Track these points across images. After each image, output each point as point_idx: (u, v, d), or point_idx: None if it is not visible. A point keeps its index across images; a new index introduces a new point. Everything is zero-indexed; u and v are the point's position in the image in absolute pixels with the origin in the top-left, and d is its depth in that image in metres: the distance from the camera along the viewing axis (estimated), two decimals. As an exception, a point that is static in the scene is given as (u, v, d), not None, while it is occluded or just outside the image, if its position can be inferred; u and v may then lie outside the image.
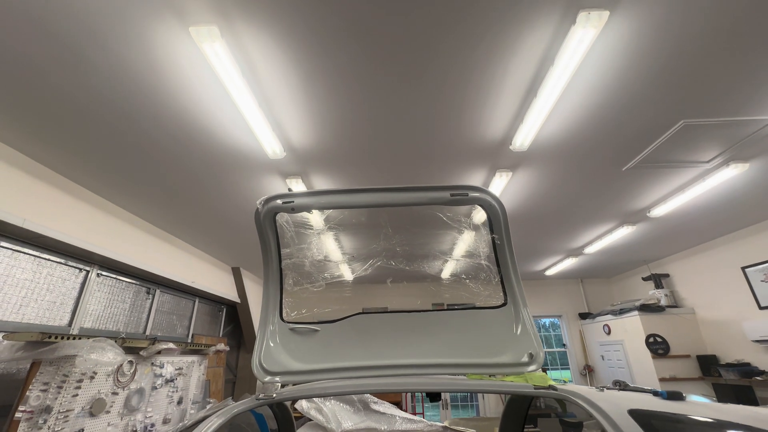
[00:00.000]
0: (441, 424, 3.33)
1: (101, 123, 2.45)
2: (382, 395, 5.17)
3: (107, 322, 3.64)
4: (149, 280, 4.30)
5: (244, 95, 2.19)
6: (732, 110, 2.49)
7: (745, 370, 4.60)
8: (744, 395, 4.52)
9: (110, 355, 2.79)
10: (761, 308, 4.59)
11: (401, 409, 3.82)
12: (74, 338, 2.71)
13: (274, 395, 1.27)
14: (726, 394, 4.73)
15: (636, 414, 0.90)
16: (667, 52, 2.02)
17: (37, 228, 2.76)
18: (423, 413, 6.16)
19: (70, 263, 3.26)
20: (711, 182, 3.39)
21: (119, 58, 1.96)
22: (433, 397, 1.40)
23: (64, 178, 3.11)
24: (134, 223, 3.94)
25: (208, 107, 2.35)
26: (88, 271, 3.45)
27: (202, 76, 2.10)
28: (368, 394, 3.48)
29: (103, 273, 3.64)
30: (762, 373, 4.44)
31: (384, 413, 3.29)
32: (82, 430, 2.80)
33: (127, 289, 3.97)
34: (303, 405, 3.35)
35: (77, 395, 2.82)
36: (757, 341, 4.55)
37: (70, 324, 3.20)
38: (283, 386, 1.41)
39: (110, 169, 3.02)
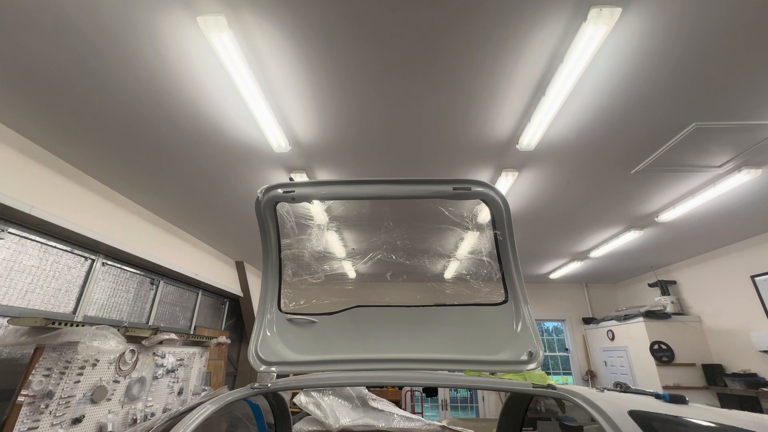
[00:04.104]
0: (439, 424, 3.31)
1: (110, 114, 2.47)
2: (381, 393, 5.16)
3: (111, 310, 3.67)
4: (154, 271, 4.33)
5: (251, 87, 2.19)
6: (745, 114, 2.44)
7: (752, 380, 4.51)
8: (749, 406, 4.44)
9: (112, 343, 2.82)
10: (770, 318, 4.50)
11: (400, 407, 3.81)
12: (77, 325, 2.74)
13: (269, 385, 1.27)
14: (731, 404, 4.64)
15: (636, 415, 0.88)
16: (679, 52, 1.98)
17: (44, 215, 2.79)
18: (422, 412, 6.14)
19: (76, 251, 3.30)
20: (722, 188, 3.32)
21: (127, 49, 1.97)
22: (430, 392, 1.38)
23: (72, 167, 3.15)
24: (140, 214, 3.97)
25: (215, 99, 2.36)
26: (93, 260, 3.48)
27: (210, 67, 2.10)
28: (367, 391, 3.48)
29: (109, 262, 3.68)
30: (769, 384, 4.35)
31: (382, 410, 3.28)
32: (83, 416, 2.82)
33: (131, 279, 4.01)
34: (301, 399, 3.36)
35: (79, 382, 2.85)
36: (765, 351, 4.46)
37: (74, 311, 3.24)
38: (279, 377, 1.40)
39: (118, 160, 3.04)
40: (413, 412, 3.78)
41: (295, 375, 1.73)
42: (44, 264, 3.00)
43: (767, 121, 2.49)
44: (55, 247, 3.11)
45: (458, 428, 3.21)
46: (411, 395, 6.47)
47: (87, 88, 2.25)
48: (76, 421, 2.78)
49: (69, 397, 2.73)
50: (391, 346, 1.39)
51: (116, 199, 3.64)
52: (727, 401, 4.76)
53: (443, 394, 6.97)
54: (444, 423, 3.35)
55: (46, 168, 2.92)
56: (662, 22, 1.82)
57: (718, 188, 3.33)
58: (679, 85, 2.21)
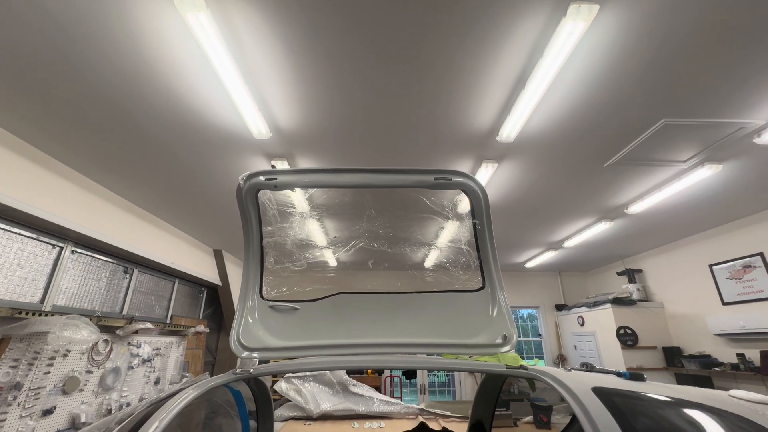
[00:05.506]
0: (418, 406, 3.42)
1: (80, 95, 2.34)
2: (361, 378, 5.25)
3: (82, 300, 3.55)
4: (127, 260, 4.20)
5: (230, 71, 2.13)
6: (710, 111, 2.57)
7: (706, 361, 4.88)
8: (702, 384, 4.81)
9: (84, 333, 2.74)
10: (724, 304, 4.85)
11: (380, 392, 3.90)
12: (46, 315, 2.64)
13: (251, 370, 1.28)
14: (686, 382, 5.01)
15: (599, 391, 0.95)
16: (652, 51, 2.06)
17: (7, 200, 2.64)
18: (401, 397, 6.30)
19: (42, 239, 3.15)
20: (686, 182, 3.51)
21: (97, 28, 1.86)
22: (410, 374, 1.43)
23: (39, 151, 2.97)
24: (112, 200, 3.82)
25: (193, 83, 2.28)
26: (62, 248, 3.34)
27: (187, 50, 2.02)
28: (347, 377, 3.54)
29: (78, 250, 3.53)
30: (721, 364, 4.71)
31: (362, 395, 3.35)
32: (55, 407, 2.75)
33: (103, 267, 3.87)
34: (282, 386, 3.38)
35: (49, 372, 2.76)
36: (719, 335, 4.82)
37: (42, 301, 3.10)
38: (261, 363, 1.42)
39: (89, 144, 2.90)
40: (393, 397, 3.89)
41: (276, 361, 1.74)
42: (8, 251, 2.85)
43: (730, 119, 2.64)
44: (19, 234, 2.95)
45: (436, 410, 3.33)
46: (390, 381, 6.61)
47: (55, 68, 2.12)
48: (47, 412, 2.70)
49: (38, 388, 2.65)
50: (372, 331, 1.42)
51: (87, 185, 3.48)
52: (683, 380, 5.13)
53: (422, 378, 7.16)
54: (422, 405, 3.47)
55: (11, 152, 2.75)
56: (636, 22, 1.88)
57: (682, 182, 3.52)
58: (651, 82, 2.30)
